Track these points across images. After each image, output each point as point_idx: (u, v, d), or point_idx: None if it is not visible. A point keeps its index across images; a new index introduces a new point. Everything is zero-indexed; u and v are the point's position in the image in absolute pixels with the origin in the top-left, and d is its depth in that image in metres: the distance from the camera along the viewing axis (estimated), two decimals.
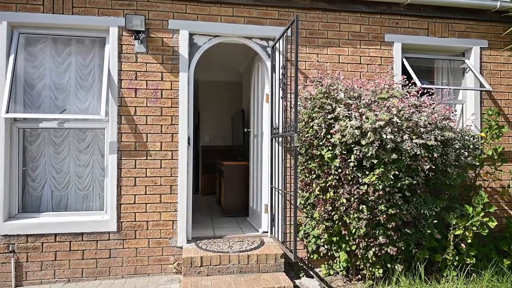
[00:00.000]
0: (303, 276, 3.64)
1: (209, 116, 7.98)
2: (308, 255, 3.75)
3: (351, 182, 3.13)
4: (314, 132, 3.36)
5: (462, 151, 3.41)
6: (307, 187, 3.53)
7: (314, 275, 3.71)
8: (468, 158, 3.48)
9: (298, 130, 3.31)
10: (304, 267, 3.80)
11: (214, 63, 6.80)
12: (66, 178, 3.75)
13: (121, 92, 3.62)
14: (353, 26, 4.06)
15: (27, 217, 3.54)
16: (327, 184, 3.28)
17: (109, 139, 3.61)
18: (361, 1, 4.00)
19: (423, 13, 4.18)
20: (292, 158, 3.69)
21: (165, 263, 3.64)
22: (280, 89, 3.77)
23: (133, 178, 3.62)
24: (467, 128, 3.64)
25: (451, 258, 3.30)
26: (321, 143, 3.30)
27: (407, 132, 3.04)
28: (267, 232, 4.02)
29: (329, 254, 3.53)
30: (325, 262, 3.68)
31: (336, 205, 3.22)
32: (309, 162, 3.48)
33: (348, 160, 3.09)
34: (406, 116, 3.10)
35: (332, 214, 3.28)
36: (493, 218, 3.35)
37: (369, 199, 3.05)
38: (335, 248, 3.43)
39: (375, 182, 2.99)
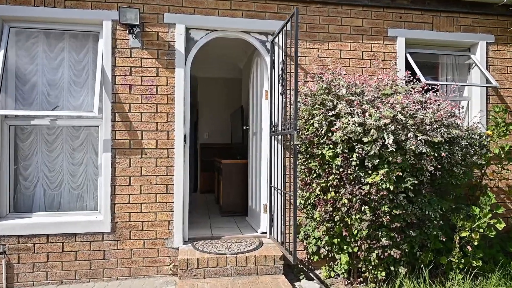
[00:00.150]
0: (303, 278, 3.53)
1: (208, 113, 7.87)
2: (308, 256, 3.63)
3: (353, 182, 3.01)
4: (314, 129, 3.23)
5: (468, 149, 3.29)
6: (307, 186, 3.42)
7: (314, 278, 3.60)
8: (474, 157, 3.35)
9: (298, 127, 3.20)
10: (304, 269, 3.69)
11: (213, 59, 6.69)
12: (59, 177, 3.65)
13: (115, 88, 3.51)
14: (355, 20, 3.93)
15: (18, 217, 3.44)
16: (328, 184, 3.16)
17: (103, 137, 3.49)
18: None
19: (427, 7, 4.04)
20: (291, 156, 3.57)
21: (160, 265, 3.53)
22: (280, 85, 3.65)
23: (128, 177, 3.51)
24: (474, 125, 3.51)
25: (457, 260, 3.18)
26: (322, 141, 3.18)
27: (412, 130, 2.92)
28: (266, 232, 3.91)
29: (330, 256, 3.42)
30: (326, 264, 3.57)
31: (337, 206, 3.11)
32: (309, 161, 3.36)
33: (350, 159, 2.97)
34: (411, 113, 2.97)
35: (333, 215, 3.16)
36: (501, 220, 3.23)
37: (372, 199, 2.94)
38: (336, 250, 3.31)
39: (379, 182, 2.87)
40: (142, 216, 3.52)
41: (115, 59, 3.51)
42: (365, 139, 2.88)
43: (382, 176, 2.86)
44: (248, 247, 3.52)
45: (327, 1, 3.83)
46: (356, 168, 2.98)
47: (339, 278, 3.50)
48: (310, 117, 3.32)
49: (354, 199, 2.99)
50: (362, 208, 2.98)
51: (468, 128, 3.42)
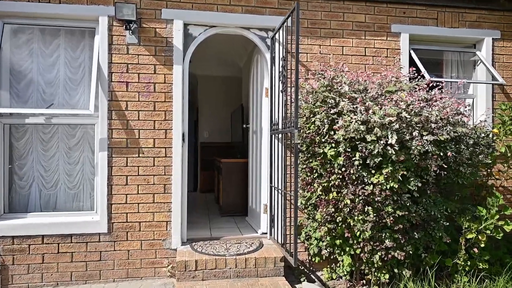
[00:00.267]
0: (304, 280, 3.44)
1: (208, 112, 7.78)
2: (310, 258, 3.55)
3: (355, 182, 2.92)
4: (316, 128, 3.14)
5: (475, 148, 3.19)
6: (309, 186, 3.33)
7: (316, 280, 3.52)
8: (480, 156, 3.25)
9: (298, 126, 3.11)
10: (306, 270, 3.61)
11: (213, 57, 6.61)
12: (55, 176, 3.57)
13: (111, 85, 3.42)
14: (358, 16, 3.83)
15: (13, 218, 3.36)
16: (330, 184, 3.07)
17: (99, 136, 3.41)
18: None
19: (432, 2, 3.94)
20: (292, 155, 3.48)
21: (158, 266, 3.46)
22: (280, 82, 3.56)
23: (125, 177, 3.43)
24: (482, 124, 3.41)
25: (463, 262, 3.09)
26: (323, 140, 3.08)
27: (417, 128, 2.82)
28: (266, 233, 3.83)
29: (331, 257, 3.33)
30: (328, 266, 3.48)
31: (340, 206, 3.02)
32: (310, 160, 3.28)
33: (353, 158, 2.88)
34: (416, 111, 2.87)
35: (335, 215, 3.07)
36: (509, 221, 3.13)
37: (375, 200, 2.84)
38: (338, 251, 3.22)
39: (383, 182, 2.78)
40: (139, 216, 3.44)
41: (112, 56, 3.43)
42: (368, 138, 2.78)
43: (386, 176, 2.77)
44: (248, 248, 3.44)
45: None
46: (359, 167, 2.89)
47: (341, 280, 3.41)
48: (311, 115, 3.23)
49: (357, 199, 2.90)
50: (365, 209, 2.89)
51: (475, 126, 3.32)
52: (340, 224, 3.08)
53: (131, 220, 3.43)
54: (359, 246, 3.04)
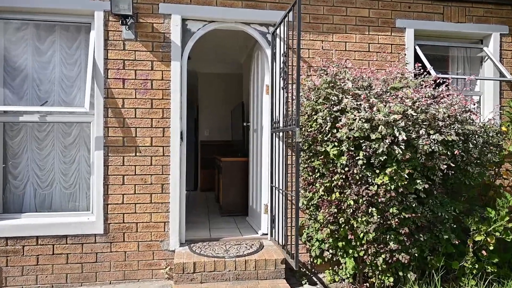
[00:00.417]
0: (305, 283, 3.35)
1: (208, 110, 7.68)
2: (312, 259, 3.45)
3: (359, 182, 2.82)
4: (318, 126, 3.03)
5: (484, 147, 3.08)
6: (310, 186, 3.23)
7: (317, 282, 3.42)
8: (489, 155, 3.14)
9: (300, 123, 3.00)
10: (307, 272, 3.51)
11: (213, 54, 6.50)
12: (50, 175, 3.48)
13: (107, 82, 3.33)
14: (361, 11, 3.71)
15: (7, 218, 3.28)
16: (333, 184, 2.96)
17: (95, 134, 3.32)
18: None
19: None
20: (293, 154, 3.38)
21: (156, 268, 3.37)
22: (281, 79, 3.45)
23: (121, 176, 3.34)
24: (491, 122, 3.29)
25: (470, 265, 2.98)
26: (326, 139, 2.98)
27: (424, 126, 2.71)
28: (267, 234, 3.73)
29: (334, 259, 3.23)
30: (330, 268, 3.38)
31: (343, 207, 2.91)
32: (312, 160, 3.17)
33: (357, 158, 2.77)
34: (423, 108, 2.76)
35: (338, 216, 2.97)
36: None
37: (380, 201, 2.74)
38: (341, 253, 3.12)
39: (387, 182, 2.67)
40: (136, 217, 3.35)
41: (108, 52, 3.33)
42: (373, 136, 2.68)
43: (391, 176, 2.66)
44: (248, 249, 3.35)
45: None
46: (363, 167, 2.79)
47: (344, 283, 3.31)
48: (313, 113, 3.12)
49: (361, 200, 2.80)
50: (369, 210, 2.79)
51: (484, 124, 3.21)
52: (343, 226, 2.98)
53: (128, 220, 3.34)
54: (362, 248, 2.94)
